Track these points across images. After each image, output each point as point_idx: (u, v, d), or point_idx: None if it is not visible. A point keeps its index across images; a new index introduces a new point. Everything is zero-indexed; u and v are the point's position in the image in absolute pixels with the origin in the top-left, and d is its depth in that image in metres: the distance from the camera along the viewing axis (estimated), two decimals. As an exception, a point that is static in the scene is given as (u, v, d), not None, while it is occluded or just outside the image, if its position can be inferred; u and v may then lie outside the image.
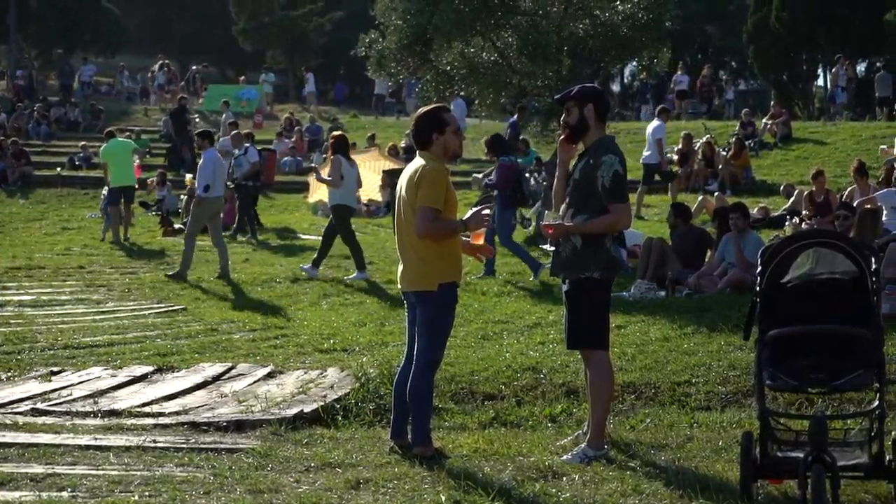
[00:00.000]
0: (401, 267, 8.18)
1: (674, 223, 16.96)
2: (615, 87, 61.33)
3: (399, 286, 8.29)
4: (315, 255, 18.44)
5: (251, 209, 24.15)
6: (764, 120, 34.62)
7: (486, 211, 8.29)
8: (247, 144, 24.39)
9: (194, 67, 52.67)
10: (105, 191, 24.61)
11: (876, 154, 26.83)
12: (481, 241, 8.59)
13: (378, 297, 16.23)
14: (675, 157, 28.96)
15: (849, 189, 20.75)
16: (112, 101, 50.61)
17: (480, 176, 28.43)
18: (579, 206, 8.07)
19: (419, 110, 8.37)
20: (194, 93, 47.98)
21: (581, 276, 8.03)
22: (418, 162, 8.08)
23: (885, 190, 18.16)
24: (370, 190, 29.37)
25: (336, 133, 19.67)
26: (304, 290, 17.17)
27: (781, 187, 24.90)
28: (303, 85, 52.88)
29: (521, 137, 26.88)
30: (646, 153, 25.41)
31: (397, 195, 8.25)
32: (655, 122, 25.64)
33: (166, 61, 50.78)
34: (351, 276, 17.94)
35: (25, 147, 36.35)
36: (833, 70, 34.67)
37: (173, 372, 11.71)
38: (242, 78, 51.30)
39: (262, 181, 24.23)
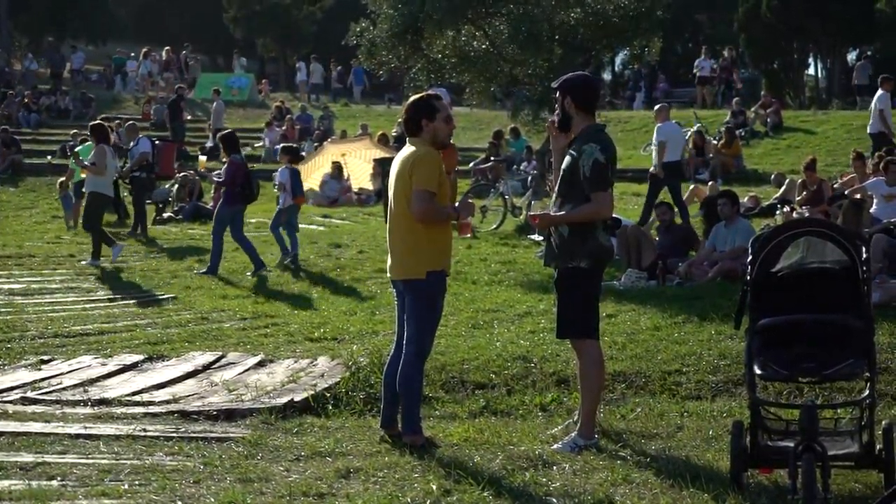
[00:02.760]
0: (390, 256, 8.19)
1: (670, 221, 16.77)
2: (606, 76, 61.29)
3: (389, 275, 8.30)
4: (92, 249, 18.82)
5: (144, 202, 23.71)
6: (754, 109, 34.63)
7: (471, 200, 8.33)
8: (140, 136, 24.19)
9: (184, 52, 52.55)
10: (71, 187, 24.49)
11: (867, 143, 26.80)
12: (469, 233, 8.68)
13: (368, 286, 16.21)
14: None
15: (848, 178, 20.76)
16: (103, 89, 50.41)
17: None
18: (566, 195, 8.09)
19: (410, 98, 8.39)
20: (186, 80, 47.72)
21: (569, 265, 8.04)
22: (409, 149, 8.10)
23: (873, 179, 18.15)
24: (361, 178, 29.39)
25: (95, 122, 20.21)
26: (294, 279, 17.15)
27: (772, 176, 24.92)
28: (294, 73, 52.90)
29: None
30: (870, 122, 25.33)
31: (390, 183, 8.24)
32: (879, 92, 25.44)
33: (146, 49, 50.71)
34: (85, 262, 18.63)
35: (15, 135, 36.25)
36: None
37: (163, 361, 11.70)
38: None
39: (156, 172, 23.98)
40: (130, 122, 26.43)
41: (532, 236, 19.34)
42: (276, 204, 19.28)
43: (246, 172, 18.02)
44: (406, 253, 8.03)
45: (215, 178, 18.68)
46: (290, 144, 21.04)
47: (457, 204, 8.17)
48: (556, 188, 8.25)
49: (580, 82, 8.37)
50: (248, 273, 17.42)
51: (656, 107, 23.01)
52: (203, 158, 22.46)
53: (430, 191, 7.88)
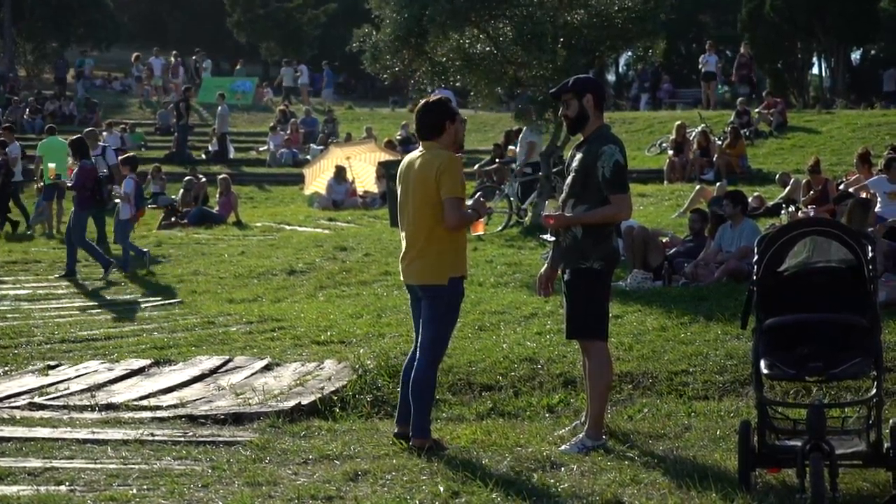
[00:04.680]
0: (408, 261, 8.14)
1: (699, 229, 16.60)
2: (610, 77, 61.30)
3: (404, 280, 8.27)
4: None
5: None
6: (758, 109, 34.60)
7: (483, 199, 8.32)
8: (103, 144, 23.86)
9: (194, 58, 52.64)
10: (41, 184, 24.25)
11: (872, 142, 26.77)
12: (481, 230, 8.70)
13: (374, 289, 16.20)
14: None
15: (854, 177, 20.71)
16: (107, 93, 50.45)
17: (476, 167, 28.41)
18: (579, 196, 8.07)
19: (424, 101, 8.30)
20: (196, 84, 47.61)
21: (581, 266, 8.04)
22: (429, 153, 8.03)
23: (875, 177, 18.08)
24: (366, 181, 29.40)
25: None
26: (300, 282, 17.15)
27: (777, 176, 24.89)
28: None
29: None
30: None
31: (403, 187, 8.18)
32: None
33: (136, 54, 50.86)
34: None
35: (21, 141, 36.20)
36: None
37: (170, 365, 11.72)
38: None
39: (112, 184, 23.46)
40: (90, 128, 25.91)
41: (544, 236, 19.31)
42: (116, 216, 19.60)
43: (96, 177, 18.40)
44: (429, 258, 7.98)
45: (67, 184, 18.89)
46: (130, 155, 21.06)
47: (469, 203, 8.14)
48: (567, 188, 8.23)
49: (595, 82, 8.42)
50: (100, 277, 17.84)
51: None
52: (52, 166, 21.95)
53: (460, 198, 7.88)
